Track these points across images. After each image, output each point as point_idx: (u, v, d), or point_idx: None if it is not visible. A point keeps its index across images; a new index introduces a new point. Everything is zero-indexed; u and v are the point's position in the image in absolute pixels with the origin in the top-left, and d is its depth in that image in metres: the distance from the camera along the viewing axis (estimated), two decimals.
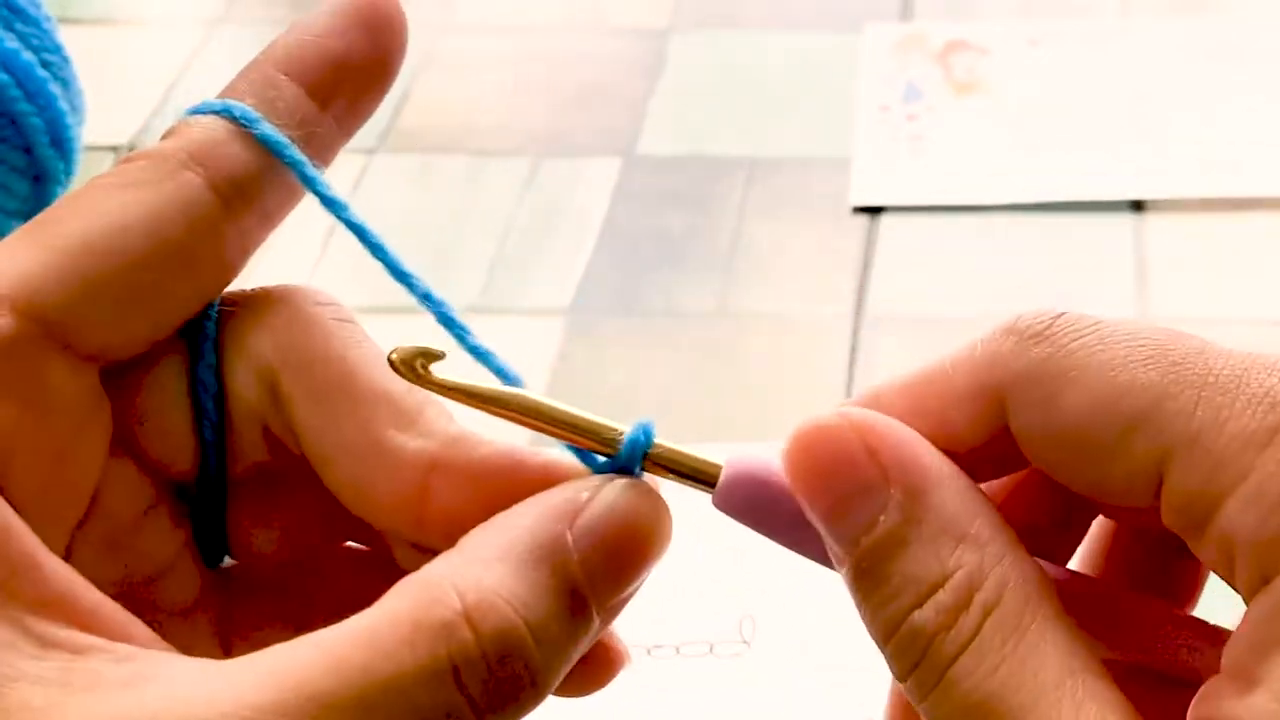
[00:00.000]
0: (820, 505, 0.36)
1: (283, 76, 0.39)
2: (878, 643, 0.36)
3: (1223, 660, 0.34)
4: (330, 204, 0.39)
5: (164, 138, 0.38)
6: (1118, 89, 0.91)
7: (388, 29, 0.42)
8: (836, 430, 0.36)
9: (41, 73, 0.80)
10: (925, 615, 0.35)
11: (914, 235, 0.84)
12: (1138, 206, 0.84)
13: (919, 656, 0.35)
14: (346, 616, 0.34)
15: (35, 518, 0.35)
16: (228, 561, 0.40)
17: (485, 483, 0.37)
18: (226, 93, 0.39)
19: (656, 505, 0.37)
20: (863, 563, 0.36)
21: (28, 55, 0.79)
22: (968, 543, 0.35)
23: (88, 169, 0.87)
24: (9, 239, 0.37)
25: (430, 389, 0.37)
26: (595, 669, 0.39)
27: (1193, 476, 0.34)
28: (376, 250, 0.39)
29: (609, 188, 0.87)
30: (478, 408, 0.38)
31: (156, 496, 0.39)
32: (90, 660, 0.33)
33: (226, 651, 0.39)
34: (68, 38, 0.84)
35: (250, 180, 0.38)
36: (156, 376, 0.38)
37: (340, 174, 0.88)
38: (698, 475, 0.38)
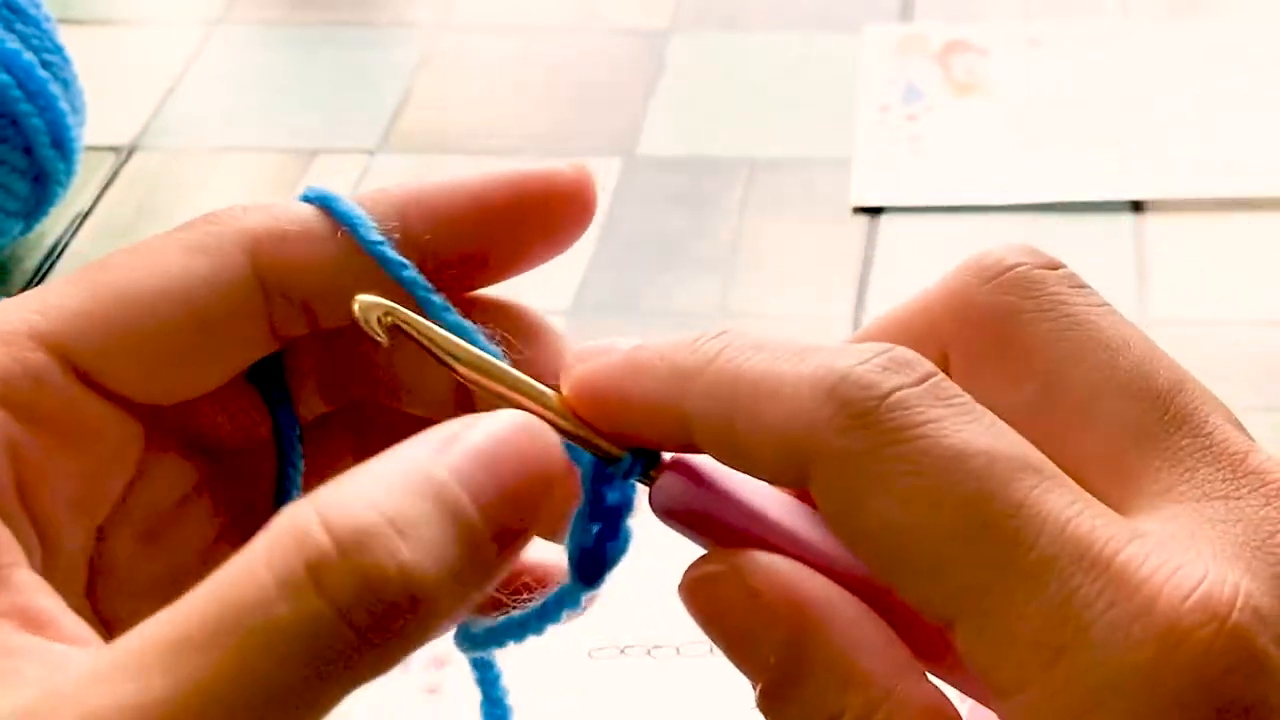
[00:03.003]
0: (721, 646, 0.36)
1: (394, 202, 0.39)
2: None
3: None
4: (429, 305, 0.39)
5: (253, 209, 0.39)
6: (1118, 89, 0.91)
7: (542, 212, 0.40)
8: (718, 575, 0.36)
9: (42, 73, 0.80)
10: None
11: (914, 235, 0.84)
12: (1138, 206, 0.84)
13: None
14: None
15: (57, 526, 0.36)
16: None
17: None
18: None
19: (537, 429, 0.34)
20: (763, 701, 0.36)
21: (28, 55, 0.79)
22: (854, 684, 0.34)
23: (88, 169, 0.87)
24: (69, 276, 0.38)
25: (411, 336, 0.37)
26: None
27: (978, 655, 0.33)
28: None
29: (609, 188, 0.87)
30: (466, 374, 0.38)
31: (199, 483, 0.39)
32: (16, 659, 0.32)
33: None
34: (68, 38, 0.84)
35: (298, 276, 0.38)
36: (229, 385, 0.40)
37: (341, 175, 0.88)
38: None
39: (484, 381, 0.38)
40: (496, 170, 0.40)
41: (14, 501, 0.35)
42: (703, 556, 0.37)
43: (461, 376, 0.38)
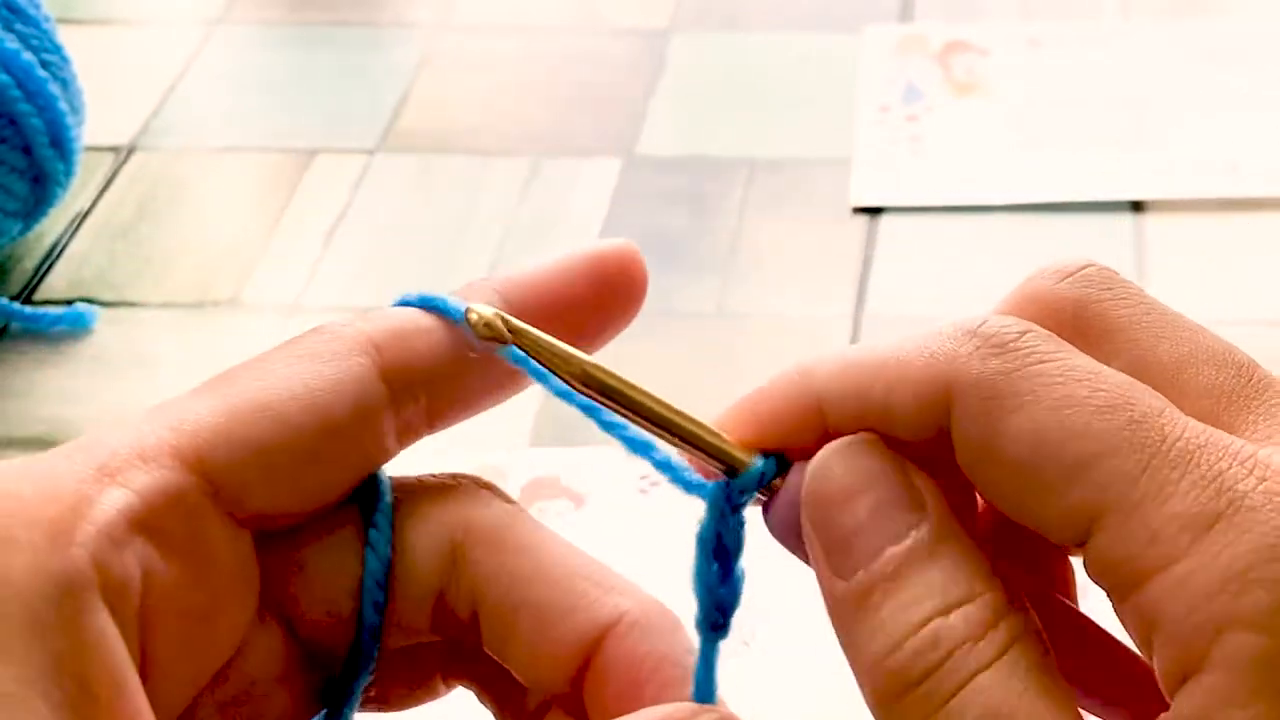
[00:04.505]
0: (852, 511, 0.36)
1: (498, 295, 0.40)
2: (878, 652, 0.34)
3: None
4: (554, 389, 0.39)
5: (360, 319, 0.39)
6: (1118, 89, 0.91)
7: (617, 285, 0.41)
8: (879, 446, 0.36)
9: (41, 73, 0.80)
10: (953, 623, 0.34)
11: (914, 235, 0.84)
12: (1138, 206, 0.84)
13: (935, 665, 0.34)
14: None
15: (168, 674, 0.36)
16: None
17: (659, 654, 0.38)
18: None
19: None
20: (886, 567, 0.35)
21: (28, 55, 0.79)
22: (992, 579, 0.35)
23: (87, 169, 0.87)
24: (196, 390, 0.37)
25: (528, 349, 0.37)
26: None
27: (1124, 544, 0.33)
28: (612, 427, 0.38)
29: (609, 188, 0.87)
30: (578, 388, 0.37)
31: (288, 668, 0.39)
32: None
33: None
34: (68, 38, 0.84)
35: (423, 374, 0.39)
36: (328, 546, 0.39)
37: (340, 175, 0.88)
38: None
39: (608, 404, 0.37)
40: (567, 253, 0.41)
41: (135, 636, 0.35)
42: (851, 439, 0.37)
43: (583, 393, 0.37)
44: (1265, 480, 0.33)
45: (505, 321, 0.38)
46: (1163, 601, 0.33)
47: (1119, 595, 0.34)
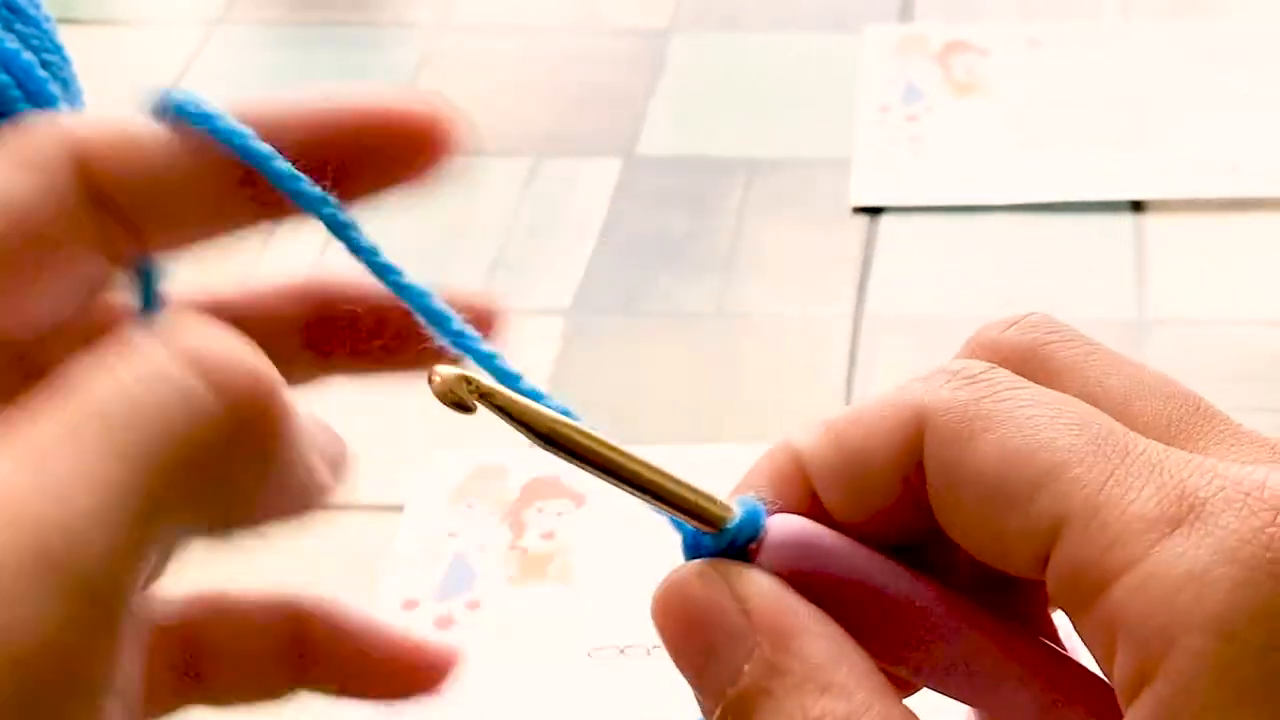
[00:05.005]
0: (687, 655, 0.37)
1: (272, 113, 0.40)
2: None
3: None
4: (303, 198, 0.38)
5: (73, 120, 0.38)
6: (1118, 89, 0.91)
7: (394, 134, 0.40)
8: (704, 579, 0.36)
9: (41, 73, 0.80)
10: None
11: (914, 235, 0.84)
12: (1138, 206, 0.85)
13: None
14: None
15: None
16: None
17: None
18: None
19: None
20: (729, 715, 0.35)
21: (28, 55, 0.79)
22: (834, 692, 0.35)
23: None
24: None
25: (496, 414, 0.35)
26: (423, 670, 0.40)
27: (1086, 548, 0.34)
28: (364, 253, 0.38)
29: (609, 188, 0.87)
30: (547, 448, 0.35)
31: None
32: None
33: None
34: (68, 38, 0.84)
35: (135, 193, 0.38)
36: None
37: None
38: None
39: (580, 464, 0.36)
40: (345, 99, 0.40)
41: None
42: (681, 568, 0.37)
43: (552, 452, 0.36)
44: (1224, 489, 0.34)
45: (469, 382, 0.35)
46: (1123, 605, 0.33)
47: (1081, 606, 0.34)
